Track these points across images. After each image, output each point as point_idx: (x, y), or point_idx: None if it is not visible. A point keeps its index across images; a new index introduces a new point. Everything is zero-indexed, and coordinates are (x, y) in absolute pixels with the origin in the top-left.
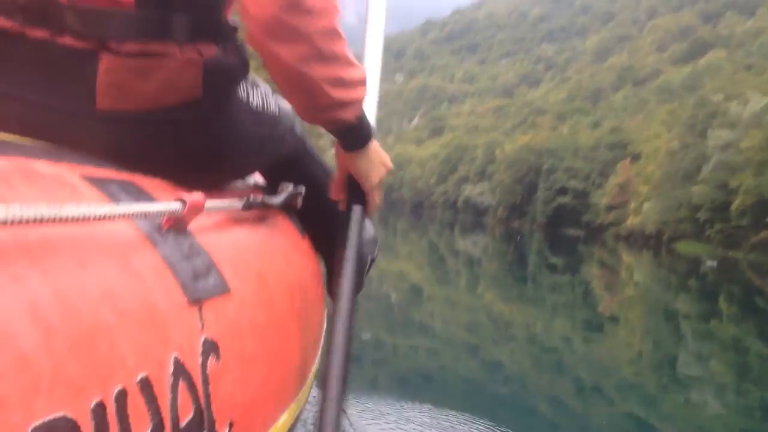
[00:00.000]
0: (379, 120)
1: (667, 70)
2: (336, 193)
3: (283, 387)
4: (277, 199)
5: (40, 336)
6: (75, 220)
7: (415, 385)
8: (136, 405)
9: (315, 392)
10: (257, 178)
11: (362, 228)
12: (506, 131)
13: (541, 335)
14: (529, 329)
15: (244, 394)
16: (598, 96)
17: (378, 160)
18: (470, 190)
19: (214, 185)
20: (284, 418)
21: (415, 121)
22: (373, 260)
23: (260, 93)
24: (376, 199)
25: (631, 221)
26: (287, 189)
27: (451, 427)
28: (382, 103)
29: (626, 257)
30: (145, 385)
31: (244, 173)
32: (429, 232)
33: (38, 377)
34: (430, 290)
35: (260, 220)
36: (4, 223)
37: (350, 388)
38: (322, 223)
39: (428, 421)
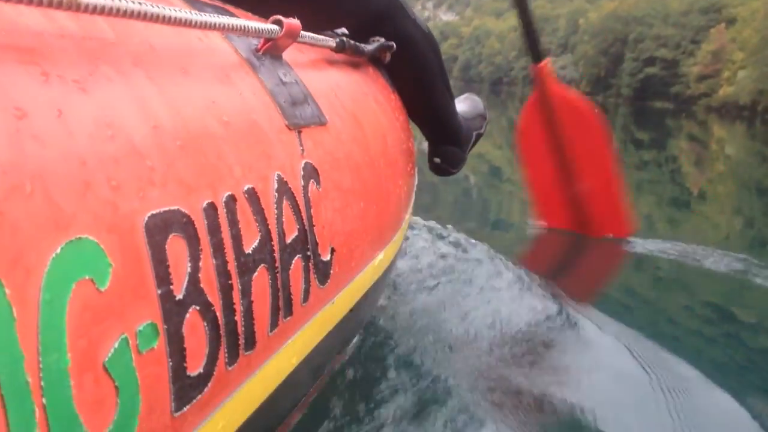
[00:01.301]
0: None
1: None
2: None
3: (379, 226)
4: (369, 47)
5: (150, 131)
6: (176, 22)
7: (493, 273)
8: (245, 213)
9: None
10: (344, 32)
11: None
12: None
13: None
14: None
15: (344, 224)
16: None
17: None
18: (552, 64)
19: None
20: (380, 258)
21: None
22: (479, 135)
23: None
24: None
25: (724, 91)
26: (378, 41)
27: (525, 306)
28: None
29: (717, 130)
30: (252, 196)
31: (333, 23)
32: (509, 109)
33: (151, 170)
34: (509, 172)
35: (352, 65)
36: (109, 12)
37: None
38: (413, 85)
39: (497, 291)
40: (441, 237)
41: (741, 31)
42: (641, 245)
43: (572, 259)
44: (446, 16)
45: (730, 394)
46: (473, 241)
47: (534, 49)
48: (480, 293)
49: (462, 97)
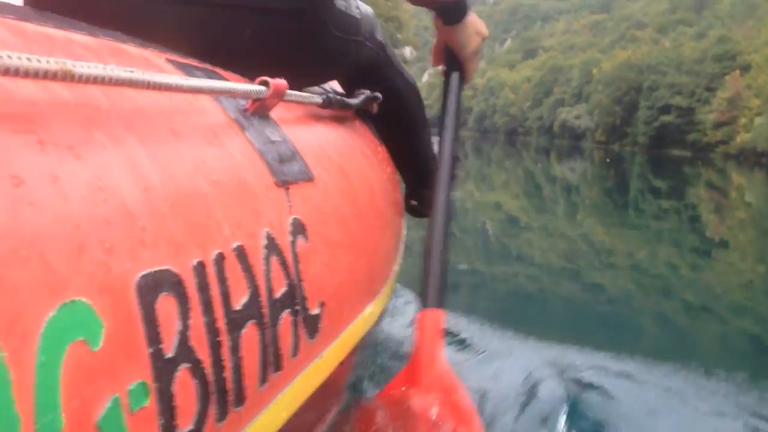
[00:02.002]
0: None
1: None
2: (435, 60)
3: (368, 277)
4: (355, 101)
5: (141, 192)
6: (166, 87)
7: (514, 314)
8: (234, 270)
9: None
10: (335, 86)
11: (460, 96)
12: (603, 48)
13: (644, 262)
14: (632, 256)
15: (333, 278)
16: (703, 4)
17: (473, 30)
18: (566, 114)
19: (292, 87)
20: (370, 309)
21: (507, 43)
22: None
23: None
24: (472, 67)
25: (741, 138)
26: (364, 93)
27: (554, 355)
28: None
29: (736, 177)
30: (241, 254)
31: (322, 79)
32: (524, 159)
33: (142, 231)
34: (526, 219)
35: (338, 119)
36: (101, 82)
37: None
38: (399, 134)
39: (530, 351)
40: None
41: (756, 78)
42: (665, 286)
43: None
44: None
45: None
46: None
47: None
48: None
49: (436, 139)
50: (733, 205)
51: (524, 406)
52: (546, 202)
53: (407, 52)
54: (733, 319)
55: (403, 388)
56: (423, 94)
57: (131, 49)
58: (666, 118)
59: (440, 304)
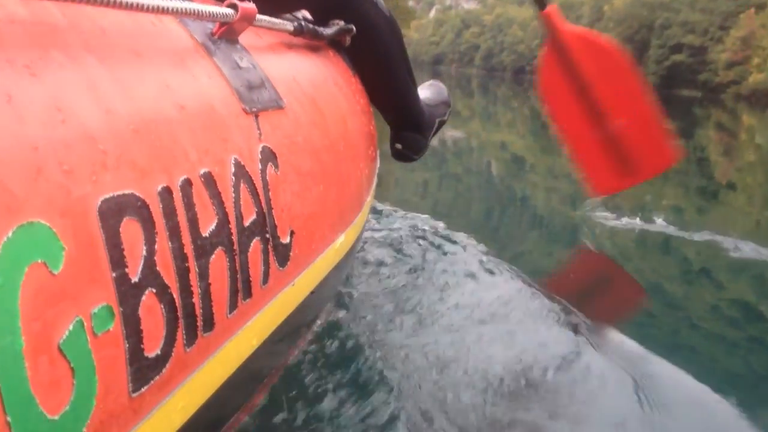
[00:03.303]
0: None
1: None
2: None
3: (339, 208)
4: (328, 30)
5: (102, 115)
6: (128, 6)
7: (515, 257)
8: (201, 196)
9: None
10: (305, 14)
11: None
12: None
13: (649, 204)
14: (639, 199)
15: (303, 207)
16: None
17: None
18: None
19: (263, 12)
20: (341, 240)
21: None
22: (442, 122)
23: None
24: None
25: (754, 78)
26: (338, 24)
27: (545, 293)
28: None
29: (747, 118)
30: (209, 180)
31: (292, 5)
32: (531, 98)
33: (104, 154)
34: (532, 159)
35: (311, 48)
36: None
37: None
38: (374, 68)
39: (531, 302)
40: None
41: None
42: (668, 233)
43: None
44: (468, 5)
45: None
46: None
47: None
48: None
49: (426, 83)
50: (743, 147)
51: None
52: (552, 141)
53: None
54: (738, 264)
55: None
56: (429, 30)
57: None
58: (677, 57)
59: (545, 2)
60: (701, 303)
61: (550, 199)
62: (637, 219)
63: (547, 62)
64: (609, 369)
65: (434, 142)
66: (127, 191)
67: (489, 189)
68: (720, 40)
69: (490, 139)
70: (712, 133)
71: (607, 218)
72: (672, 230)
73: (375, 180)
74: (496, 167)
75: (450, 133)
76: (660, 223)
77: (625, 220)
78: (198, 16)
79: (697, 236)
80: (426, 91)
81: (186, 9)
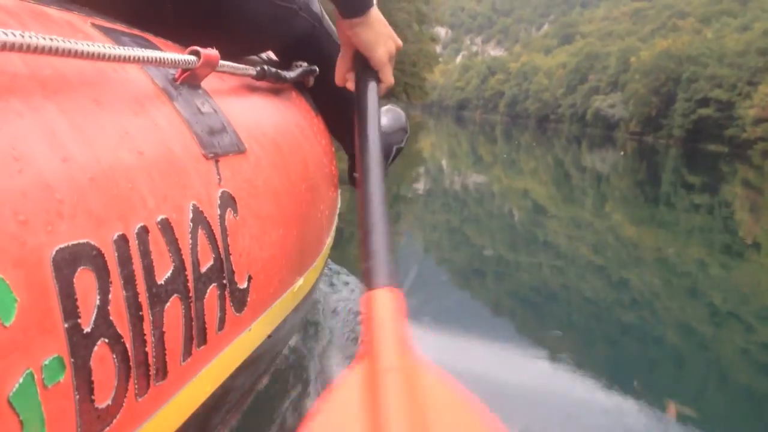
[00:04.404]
0: (505, 27)
1: None
2: (339, 73)
3: (299, 251)
4: (291, 74)
5: (60, 163)
6: (89, 56)
7: (538, 307)
8: (158, 243)
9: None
10: (270, 55)
11: (378, 108)
12: (643, 37)
13: (673, 259)
14: (661, 252)
15: (262, 251)
16: None
17: (384, 31)
18: (600, 102)
19: (225, 56)
20: (301, 282)
21: (544, 28)
22: (399, 150)
23: None
24: (389, 75)
25: None
26: (301, 66)
27: (577, 349)
28: (509, 10)
29: None
30: (166, 227)
31: (257, 48)
32: (555, 147)
33: (60, 203)
34: (554, 209)
35: (273, 91)
36: (19, 49)
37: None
38: (337, 106)
39: (552, 344)
40: None
41: None
42: (692, 287)
43: None
44: (495, 52)
45: None
46: None
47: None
48: None
49: (384, 108)
50: None
51: (538, 400)
52: (574, 191)
53: (442, 32)
54: (761, 325)
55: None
56: (455, 75)
57: (54, 12)
58: (704, 111)
59: (391, 281)
60: (723, 357)
61: (572, 246)
62: (660, 270)
63: None
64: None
65: (457, 186)
66: (82, 240)
67: (509, 233)
68: (748, 96)
69: (512, 185)
70: (738, 189)
71: (628, 268)
72: (695, 285)
73: (335, 221)
74: (517, 213)
75: (472, 178)
76: (683, 277)
77: (647, 270)
78: (160, 63)
79: (721, 293)
80: (384, 118)
81: (148, 57)
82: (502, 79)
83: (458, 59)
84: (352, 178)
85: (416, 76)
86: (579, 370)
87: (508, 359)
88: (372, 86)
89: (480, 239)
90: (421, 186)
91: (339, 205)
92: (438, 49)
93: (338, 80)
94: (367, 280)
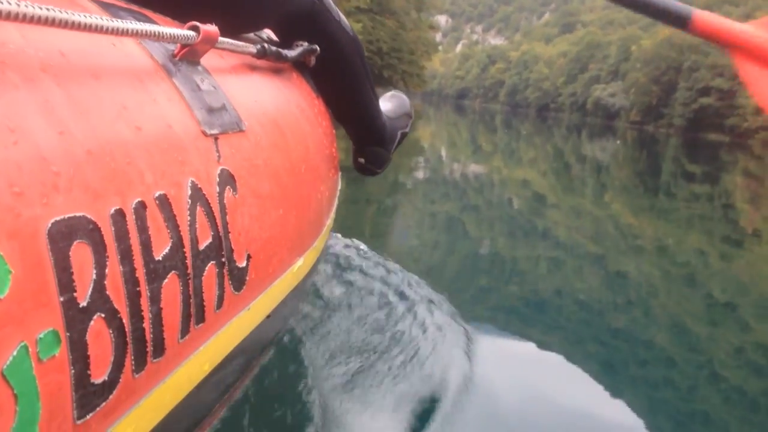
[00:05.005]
0: (506, 16)
1: None
2: None
3: (299, 231)
4: (292, 53)
5: (56, 136)
6: (86, 27)
7: (536, 298)
8: (155, 219)
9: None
10: (270, 35)
11: None
12: (644, 26)
13: (672, 248)
14: (660, 241)
15: (262, 230)
16: None
17: None
18: (601, 91)
19: (224, 33)
20: (300, 264)
21: (545, 17)
22: (404, 135)
23: None
24: None
25: None
26: (302, 46)
27: (574, 342)
28: None
29: None
30: (164, 203)
31: (257, 23)
32: (554, 136)
33: (56, 176)
34: (554, 198)
35: (274, 71)
36: (15, 18)
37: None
38: (339, 88)
39: (549, 337)
40: None
41: None
42: (690, 275)
43: None
44: (495, 40)
45: None
46: None
47: None
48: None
49: (387, 95)
50: None
51: (536, 398)
52: (574, 181)
53: (442, 21)
54: (761, 316)
55: None
56: (455, 64)
57: None
58: (705, 101)
59: None
60: (722, 348)
61: (570, 236)
62: (659, 260)
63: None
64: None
65: (456, 176)
66: (78, 214)
67: (509, 223)
68: None
69: (512, 175)
70: (739, 179)
71: (627, 257)
72: (694, 274)
73: (336, 202)
74: (517, 203)
75: (471, 168)
76: (683, 267)
77: (646, 260)
78: (159, 37)
79: (720, 282)
80: (388, 103)
81: (147, 31)
82: (503, 68)
83: (458, 48)
84: (358, 163)
85: (414, 64)
86: (573, 363)
87: (503, 352)
88: None
89: (479, 230)
90: (420, 175)
91: (339, 187)
92: (438, 37)
93: None
94: None
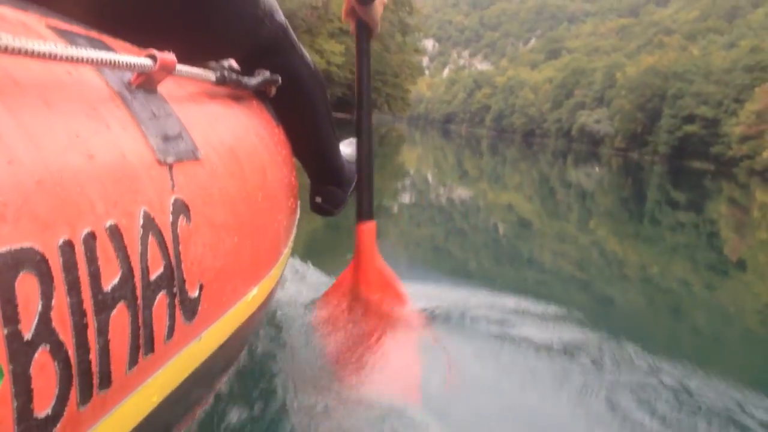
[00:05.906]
0: (492, 41)
1: None
2: (346, 16)
3: (254, 260)
4: (252, 81)
5: (4, 166)
6: (39, 55)
7: (521, 322)
8: (105, 250)
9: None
10: (232, 63)
11: (368, 50)
12: (629, 53)
13: (657, 276)
14: (645, 269)
15: (215, 260)
16: (734, 14)
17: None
18: (586, 117)
19: (186, 61)
20: (255, 292)
21: (531, 43)
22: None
23: None
24: (376, 20)
25: None
26: (263, 74)
27: (558, 369)
28: (496, 24)
29: (760, 195)
30: (115, 233)
31: (219, 53)
32: (540, 161)
33: (3, 206)
34: (539, 224)
35: (233, 98)
36: None
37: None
38: (299, 120)
39: (536, 362)
40: None
41: None
42: (675, 306)
43: None
44: (481, 65)
45: None
46: None
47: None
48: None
49: (347, 141)
50: (755, 224)
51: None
52: (559, 207)
53: (429, 45)
54: (745, 346)
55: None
56: (441, 89)
57: (9, 12)
58: (689, 128)
59: (372, 216)
60: (707, 378)
61: (556, 261)
62: (644, 287)
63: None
64: None
65: (442, 200)
66: (25, 245)
67: (494, 248)
68: (734, 113)
69: (497, 200)
70: (724, 207)
71: (612, 284)
72: (679, 303)
73: (294, 231)
74: (502, 228)
75: (457, 192)
76: (667, 295)
77: (631, 286)
78: (115, 66)
79: (704, 312)
80: (348, 148)
81: (102, 59)
82: (489, 93)
83: (445, 72)
84: (314, 203)
85: (399, 87)
86: (557, 390)
87: (486, 379)
88: (363, 27)
89: (464, 254)
90: (406, 199)
91: (298, 215)
92: (425, 61)
93: (344, 16)
94: (357, 214)
